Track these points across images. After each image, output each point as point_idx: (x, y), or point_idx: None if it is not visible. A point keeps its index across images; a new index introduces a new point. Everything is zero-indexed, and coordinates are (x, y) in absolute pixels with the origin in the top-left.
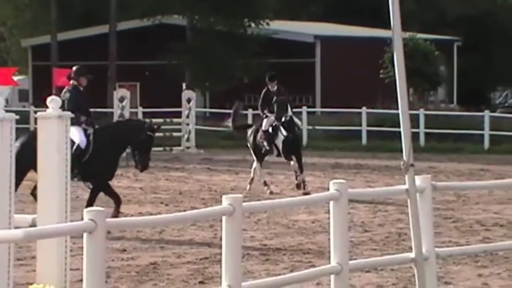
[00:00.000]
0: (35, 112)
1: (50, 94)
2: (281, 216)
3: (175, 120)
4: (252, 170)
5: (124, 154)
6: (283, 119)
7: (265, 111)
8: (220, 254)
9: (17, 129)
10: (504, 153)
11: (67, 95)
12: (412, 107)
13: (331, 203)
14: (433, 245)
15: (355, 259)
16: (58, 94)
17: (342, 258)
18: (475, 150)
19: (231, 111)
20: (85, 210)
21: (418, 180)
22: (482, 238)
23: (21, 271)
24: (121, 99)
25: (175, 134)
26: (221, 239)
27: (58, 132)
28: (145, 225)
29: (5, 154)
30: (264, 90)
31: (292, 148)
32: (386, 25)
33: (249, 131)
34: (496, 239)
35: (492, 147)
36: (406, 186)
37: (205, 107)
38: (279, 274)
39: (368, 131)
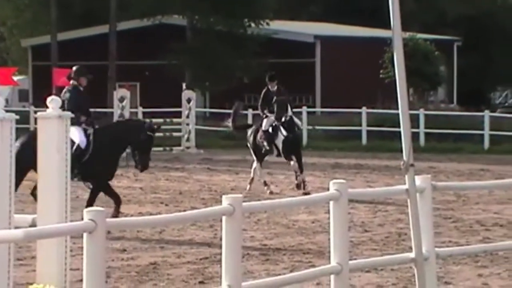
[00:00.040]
0: (35, 112)
1: (50, 94)
2: (281, 216)
3: (175, 120)
4: (252, 170)
5: (124, 154)
6: (283, 119)
7: (265, 111)
8: (220, 254)
9: (17, 129)
10: (504, 153)
11: (67, 95)
12: (412, 107)
13: (331, 203)
14: (433, 245)
15: (355, 259)
16: (58, 94)
17: (342, 258)
18: (475, 150)
19: (231, 111)
20: (85, 210)
21: (418, 180)
22: (482, 238)
23: (21, 271)
24: (121, 99)
25: (175, 134)
26: (221, 239)
27: (58, 132)
28: (145, 225)
29: (5, 154)
30: (264, 90)
31: (292, 148)
32: (386, 25)
33: (249, 131)
34: (496, 239)
35: (492, 147)
36: (406, 186)
37: (205, 107)
38: (279, 274)
39: (368, 131)
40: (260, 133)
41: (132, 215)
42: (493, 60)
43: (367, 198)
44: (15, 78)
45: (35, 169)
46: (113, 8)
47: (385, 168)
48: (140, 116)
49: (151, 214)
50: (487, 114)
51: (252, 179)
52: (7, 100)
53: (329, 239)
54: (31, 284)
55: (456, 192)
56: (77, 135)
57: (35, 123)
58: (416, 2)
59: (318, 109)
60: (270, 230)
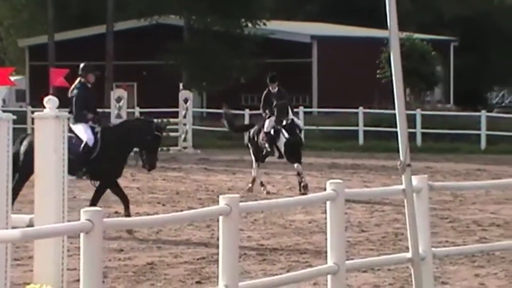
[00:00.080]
0: (32, 112)
1: (47, 94)
2: (278, 216)
3: (172, 120)
4: (252, 170)
5: (132, 154)
6: (284, 123)
7: (267, 111)
8: (217, 254)
9: (14, 129)
10: (501, 153)
11: (75, 91)
12: (408, 107)
13: (328, 203)
14: (430, 245)
15: (352, 259)
16: (55, 94)
17: (339, 258)
18: (471, 150)
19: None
20: (82, 210)
21: (415, 180)
22: (478, 238)
23: (18, 271)
24: (118, 99)
25: (172, 134)
26: (218, 239)
27: (55, 132)
28: (142, 225)
29: (2, 154)
30: (265, 92)
31: (294, 150)
32: (383, 25)
33: (251, 131)
34: (492, 239)
35: (488, 147)
36: (403, 186)
37: (202, 107)
38: (276, 274)
39: (365, 131)
40: (262, 135)
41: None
42: (489, 60)
43: (364, 198)
44: (12, 78)
45: None
46: (110, 8)
47: (382, 168)
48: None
49: (148, 214)
50: (483, 114)
51: (254, 178)
52: (4, 100)
53: (326, 239)
54: (28, 284)
55: (453, 192)
56: (84, 132)
57: (32, 123)
58: (412, 2)
59: (315, 109)
60: (267, 230)
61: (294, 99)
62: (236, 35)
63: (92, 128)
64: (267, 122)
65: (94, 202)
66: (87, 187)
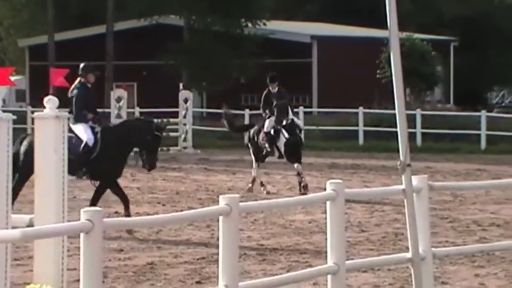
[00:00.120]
0: (32, 112)
1: (47, 94)
2: (278, 216)
3: (172, 120)
4: (252, 170)
5: (132, 154)
6: (284, 123)
7: (267, 111)
8: (217, 254)
9: (14, 129)
10: (501, 153)
11: (75, 91)
12: (408, 107)
13: (328, 203)
14: (429, 245)
15: (352, 259)
16: (55, 94)
17: (339, 258)
18: (471, 150)
19: (224, 114)
20: (82, 210)
21: (415, 180)
22: (478, 238)
23: (18, 271)
24: (118, 99)
25: (172, 134)
26: (218, 239)
27: (55, 132)
28: (142, 225)
29: (2, 154)
30: (265, 92)
31: (294, 150)
32: (383, 25)
33: (251, 131)
34: (492, 239)
35: (488, 147)
36: (402, 186)
37: (202, 107)
38: (276, 274)
39: (365, 131)
40: (262, 134)
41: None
42: (489, 60)
43: (364, 198)
44: (12, 78)
45: None
46: (110, 8)
47: (382, 168)
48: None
49: (148, 214)
50: (483, 114)
51: (254, 178)
52: (4, 100)
53: (326, 239)
54: (28, 284)
55: (453, 192)
56: (84, 132)
57: (32, 123)
58: (412, 2)
59: (315, 109)
60: (267, 230)
61: (294, 99)
62: (236, 35)
63: (92, 128)
64: (267, 122)
65: (94, 202)
66: (87, 187)
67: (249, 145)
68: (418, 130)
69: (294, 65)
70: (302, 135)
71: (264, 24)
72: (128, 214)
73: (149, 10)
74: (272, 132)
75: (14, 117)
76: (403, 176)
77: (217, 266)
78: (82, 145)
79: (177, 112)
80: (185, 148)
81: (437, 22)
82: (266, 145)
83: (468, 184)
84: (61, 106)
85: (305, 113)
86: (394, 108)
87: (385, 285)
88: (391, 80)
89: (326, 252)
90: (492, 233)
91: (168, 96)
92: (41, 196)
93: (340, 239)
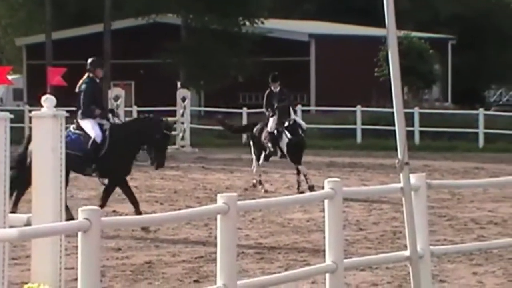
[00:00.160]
0: (30, 111)
1: (44, 93)
2: (276, 215)
3: (170, 119)
4: (253, 168)
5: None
6: (286, 124)
7: (269, 109)
8: (215, 253)
9: (11, 128)
10: (499, 151)
11: (83, 86)
12: (406, 105)
13: (326, 201)
14: (428, 243)
15: (350, 257)
16: (52, 93)
17: (337, 257)
18: (469, 148)
19: (224, 113)
20: (80, 209)
21: (413, 178)
22: (476, 236)
23: (16, 270)
24: (116, 98)
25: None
26: (216, 238)
27: (53, 131)
28: (140, 224)
29: (0, 153)
30: (267, 92)
31: (296, 151)
32: (381, 23)
33: (255, 129)
34: (490, 237)
35: (486, 145)
36: (401, 185)
37: (199, 105)
38: (274, 273)
39: (363, 130)
40: (265, 134)
41: (127, 214)
42: (487, 59)
43: (362, 196)
44: (10, 77)
45: None
46: (107, 7)
47: (380, 167)
48: (134, 115)
49: (146, 213)
50: (481, 112)
51: (260, 177)
52: (1, 99)
53: (324, 238)
54: (26, 283)
55: (451, 190)
56: (92, 129)
57: (30, 122)
58: (410, 0)
59: (312, 108)
60: (265, 228)
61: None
62: (233, 33)
63: (101, 125)
64: (271, 121)
65: (104, 201)
66: (85, 186)
67: (251, 142)
68: (416, 128)
69: (292, 64)
70: (305, 135)
71: (262, 22)
72: (139, 213)
73: (146, 9)
74: (275, 132)
75: (12, 116)
76: (401, 175)
77: (215, 265)
78: (90, 141)
79: (174, 111)
80: (183, 146)
81: (435, 21)
82: (269, 144)
83: (466, 182)
84: (58, 105)
85: (303, 111)
86: (392, 107)
87: (383, 283)
88: (389, 79)
89: (324, 250)
90: (490, 231)
91: (166, 95)
92: (39, 195)
93: (338, 237)
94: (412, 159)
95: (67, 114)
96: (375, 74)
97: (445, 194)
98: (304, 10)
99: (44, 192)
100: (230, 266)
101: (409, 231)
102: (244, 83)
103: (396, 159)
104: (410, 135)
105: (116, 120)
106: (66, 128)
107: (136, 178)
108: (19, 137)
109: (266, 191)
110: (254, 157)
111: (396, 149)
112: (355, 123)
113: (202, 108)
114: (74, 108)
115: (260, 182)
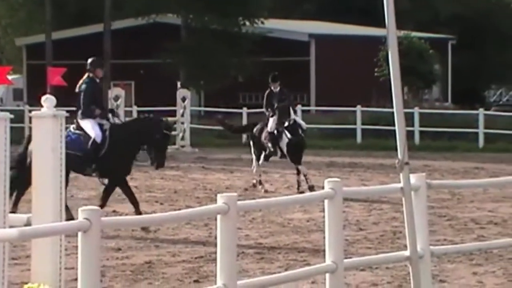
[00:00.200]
0: (30, 111)
1: (44, 93)
2: (276, 215)
3: (170, 119)
4: (253, 168)
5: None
6: (286, 124)
7: (269, 109)
8: (215, 253)
9: (11, 128)
10: (499, 151)
11: (84, 86)
12: (406, 105)
13: (326, 201)
14: (428, 243)
15: (350, 257)
16: (52, 93)
17: (337, 257)
18: (469, 148)
19: (224, 112)
20: (80, 209)
21: (413, 178)
22: (476, 236)
23: (16, 270)
24: (116, 98)
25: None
26: (216, 238)
27: (53, 131)
28: (140, 224)
29: (0, 153)
30: (267, 92)
31: (295, 151)
32: (381, 23)
33: (255, 129)
34: (490, 237)
35: (486, 145)
36: (401, 185)
37: (199, 105)
38: (274, 273)
39: (363, 130)
40: (265, 134)
41: (127, 214)
42: (487, 59)
43: (362, 196)
44: (10, 77)
45: None
46: (107, 7)
47: (380, 167)
48: (134, 115)
49: (146, 213)
50: (481, 112)
51: (260, 177)
52: (1, 99)
53: (324, 238)
54: (26, 283)
55: (451, 190)
56: (92, 129)
57: (30, 122)
58: (410, 0)
59: (312, 108)
60: (265, 228)
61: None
62: (233, 33)
63: (101, 125)
64: (271, 121)
65: (104, 202)
66: (85, 186)
67: (251, 142)
68: (416, 128)
69: (292, 64)
70: (305, 135)
71: (262, 22)
72: (139, 213)
73: (146, 9)
74: (275, 132)
75: (12, 116)
76: (401, 174)
77: (215, 265)
78: (90, 141)
79: (174, 111)
80: (183, 146)
81: (435, 21)
82: (269, 144)
83: (466, 182)
84: (58, 105)
85: (303, 111)
86: (392, 107)
87: (383, 284)
88: (389, 79)
89: (324, 250)
90: (490, 231)
91: (166, 95)
92: (39, 195)
93: (338, 237)
94: (412, 159)
95: (67, 114)
96: (375, 74)
97: (445, 194)
98: (304, 10)
99: (44, 192)
100: (230, 266)
101: (409, 231)
102: (244, 83)
103: (396, 159)
104: (410, 135)
105: (116, 120)
106: (66, 128)
107: (136, 178)
108: (19, 137)
109: (266, 191)
110: (254, 157)
111: (396, 149)
112: (355, 123)
113: (202, 108)
114: (74, 108)
115: (260, 182)
